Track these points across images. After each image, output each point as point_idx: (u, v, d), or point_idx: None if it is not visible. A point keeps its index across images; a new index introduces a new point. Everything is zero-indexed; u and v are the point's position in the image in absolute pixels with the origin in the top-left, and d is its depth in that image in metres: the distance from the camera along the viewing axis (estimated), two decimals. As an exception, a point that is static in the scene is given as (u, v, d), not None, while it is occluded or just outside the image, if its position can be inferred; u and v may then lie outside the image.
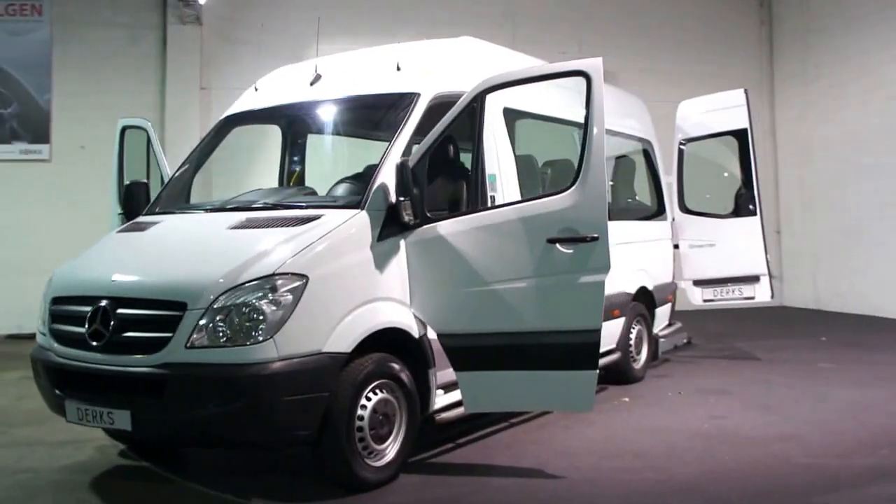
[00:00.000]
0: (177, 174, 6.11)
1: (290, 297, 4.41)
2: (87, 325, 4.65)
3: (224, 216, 5.23)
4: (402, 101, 5.48)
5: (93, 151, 12.18)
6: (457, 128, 5.66)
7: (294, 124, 6.54)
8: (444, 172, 5.74)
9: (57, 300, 5.00)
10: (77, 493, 4.92)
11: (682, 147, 9.16)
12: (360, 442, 4.74)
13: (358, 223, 4.87)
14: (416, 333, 5.09)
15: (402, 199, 4.88)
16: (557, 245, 4.90)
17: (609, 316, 7.42)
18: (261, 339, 4.32)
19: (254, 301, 4.35)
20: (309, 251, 4.59)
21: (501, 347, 5.03)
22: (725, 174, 9.31)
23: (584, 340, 4.87)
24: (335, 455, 4.64)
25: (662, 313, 8.76)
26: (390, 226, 5.00)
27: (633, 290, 7.93)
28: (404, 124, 5.32)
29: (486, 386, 5.11)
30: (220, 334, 4.34)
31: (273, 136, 7.12)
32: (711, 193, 9.41)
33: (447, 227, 5.06)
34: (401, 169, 4.87)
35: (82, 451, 5.70)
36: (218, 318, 4.34)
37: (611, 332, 7.55)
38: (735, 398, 7.31)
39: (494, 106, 5.96)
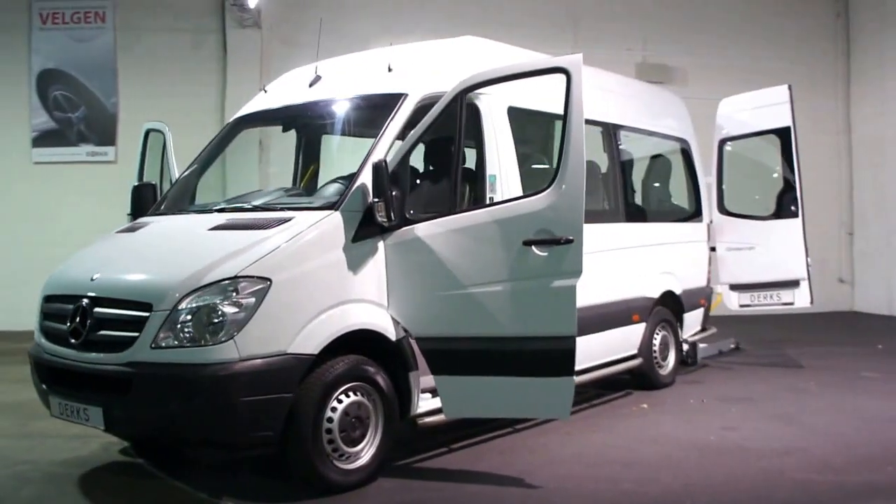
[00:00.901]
0: (183, 176, 6.26)
1: (252, 299, 4.46)
2: (68, 323, 4.82)
3: (209, 218, 5.32)
4: (389, 102, 5.46)
5: (157, 153, 12.59)
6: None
7: (292, 125, 6.59)
8: (441, 172, 5.74)
9: (47, 298, 5.20)
10: (63, 485, 5.11)
11: (722, 146, 8.83)
12: (330, 444, 4.75)
13: (330, 225, 4.88)
14: (392, 336, 5.07)
15: (376, 200, 4.86)
16: (533, 248, 4.82)
17: (628, 321, 7.28)
18: (222, 339, 4.38)
19: (215, 302, 4.43)
20: (275, 254, 4.62)
21: (478, 352, 4.98)
22: (773, 174, 8.90)
23: (560, 347, 4.78)
24: (300, 456, 4.67)
25: (693, 318, 8.49)
26: (368, 227, 4.97)
27: (655, 294, 7.70)
28: (387, 125, 5.30)
29: (463, 391, 5.07)
30: (184, 335, 4.43)
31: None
32: (755, 194, 9.03)
33: (425, 229, 5.03)
34: (376, 170, 4.85)
35: (88, 445, 5.89)
36: (182, 319, 4.43)
37: (630, 338, 7.39)
38: (757, 407, 7.04)
39: (497, 105, 5.90)
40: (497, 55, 6.27)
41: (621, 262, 7.15)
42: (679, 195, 8.62)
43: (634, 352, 7.53)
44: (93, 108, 13.10)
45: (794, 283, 8.41)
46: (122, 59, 13.21)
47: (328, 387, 4.73)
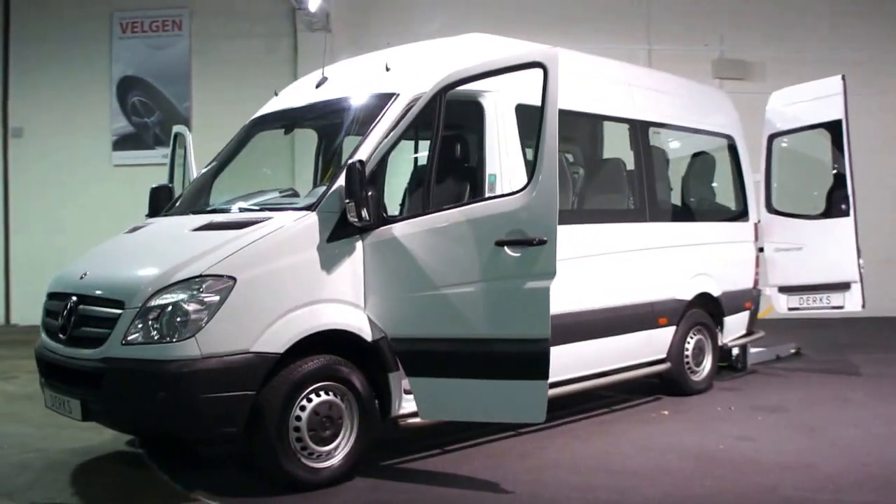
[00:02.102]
0: (197, 177, 6.41)
1: (215, 297, 4.53)
2: (59, 320, 5.03)
3: (199, 218, 5.43)
4: (381, 102, 5.44)
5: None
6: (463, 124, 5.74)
7: (294, 126, 6.64)
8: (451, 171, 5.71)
9: (49, 295, 5.43)
10: (59, 472, 5.33)
11: (771, 142, 8.39)
12: (298, 442, 4.77)
13: (303, 225, 4.90)
14: (368, 336, 5.04)
15: (347, 200, 4.85)
16: (506, 248, 4.72)
17: (652, 324, 7.02)
18: (184, 337, 4.47)
19: (179, 301, 4.52)
20: (241, 253, 4.68)
21: (452, 354, 4.91)
22: (828, 171, 8.39)
23: (533, 350, 4.66)
24: (266, 453, 4.72)
25: (736, 322, 8.07)
26: (345, 227, 4.96)
27: (687, 296, 7.37)
28: (375, 125, 5.27)
29: (438, 393, 5.00)
30: (151, 332, 4.54)
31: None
32: (808, 192, 8.54)
33: (400, 230, 5.00)
34: (348, 171, 4.84)
35: (100, 435, 6.07)
36: (150, 317, 4.55)
37: (655, 341, 7.12)
38: (786, 417, 6.66)
39: (504, 104, 5.80)
40: (502, 51, 6.11)
41: (644, 263, 6.89)
42: (724, 194, 8.25)
43: (662, 356, 7.25)
44: (167, 113, 13.64)
45: (844, 286, 7.90)
46: (196, 65, 13.71)
47: (295, 385, 4.75)
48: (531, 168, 4.79)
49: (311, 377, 4.81)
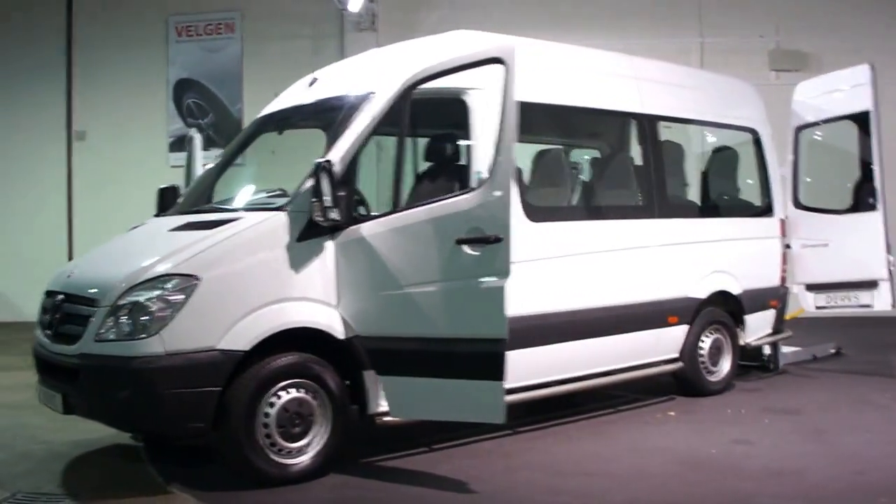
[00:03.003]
0: (199, 178, 6.58)
1: (180, 296, 4.65)
2: (48, 317, 5.26)
3: (182, 219, 5.57)
4: (358, 102, 5.47)
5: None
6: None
7: (287, 127, 6.72)
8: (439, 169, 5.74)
9: (45, 293, 5.67)
10: (56, 462, 5.55)
11: (798, 135, 8.07)
12: (267, 438, 4.86)
13: (271, 225, 4.98)
14: (340, 335, 5.08)
15: (314, 200, 4.91)
16: (465, 247, 4.72)
17: (661, 322, 6.86)
18: (150, 334, 4.61)
19: (145, 299, 4.66)
20: (207, 252, 4.79)
21: (418, 353, 4.93)
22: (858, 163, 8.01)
23: (489, 350, 4.64)
24: (233, 448, 4.81)
25: (759, 321, 7.78)
26: (315, 227, 5.00)
27: (702, 294, 7.16)
28: (349, 124, 5.31)
29: (405, 392, 5.03)
30: (120, 329, 4.69)
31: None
32: (836, 187, 8.17)
33: (369, 229, 5.04)
34: (315, 171, 4.90)
35: (108, 428, 6.30)
36: (119, 315, 4.70)
37: (664, 340, 6.95)
38: (797, 421, 6.42)
39: (491, 100, 5.70)
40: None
41: (651, 260, 6.73)
42: (748, 189, 7.98)
43: (673, 355, 7.07)
44: (220, 115, 14.03)
45: (872, 284, 7.54)
46: (248, 67, 14.04)
47: (263, 382, 4.82)
48: (492, 165, 4.75)
49: (280, 374, 4.88)
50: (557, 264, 6.09)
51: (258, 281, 4.89)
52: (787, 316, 8.46)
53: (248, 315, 4.80)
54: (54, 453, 5.79)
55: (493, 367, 4.62)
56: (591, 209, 6.73)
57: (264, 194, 5.97)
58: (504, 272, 4.60)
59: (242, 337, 4.76)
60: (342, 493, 4.89)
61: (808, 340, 9.42)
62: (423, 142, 6.26)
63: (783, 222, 7.97)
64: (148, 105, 14.09)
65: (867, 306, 7.69)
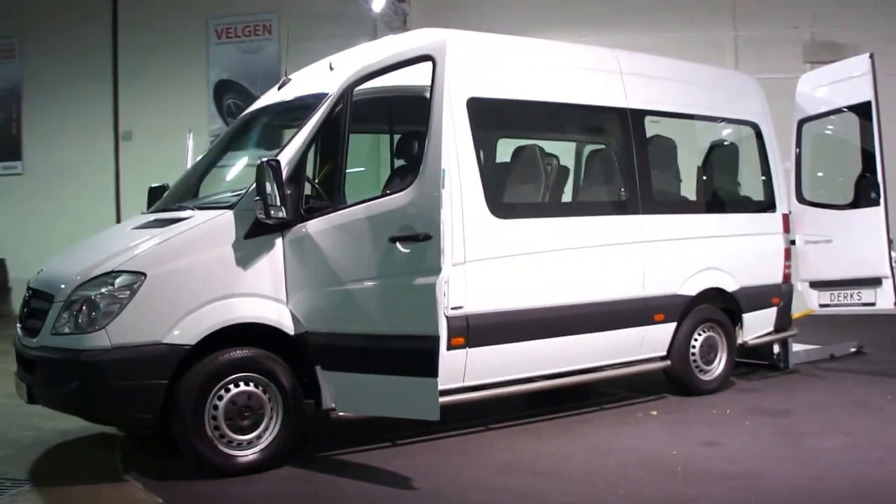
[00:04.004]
0: (181, 177, 6.74)
1: (126, 291, 4.83)
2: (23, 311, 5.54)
3: (148, 217, 5.76)
4: (315, 102, 5.56)
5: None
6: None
7: (261, 126, 6.83)
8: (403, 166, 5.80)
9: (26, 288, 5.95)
10: (35, 449, 5.81)
11: (801, 128, 7.81)
12: (216, 430, 4.99)
13: (218, 223, 5.11)
14: (290, 330, 5.18)
15: (256, 199, 5.02)
16: (398, 244, 4.76)
17: (646, 320, 6.74)
18: (97, 329, 4.79)
19: (93, 295, 4.85)
20: (154, 250, 4.97)
21: (357, 349, 5.00)
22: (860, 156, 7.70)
23: (422, 347, 4.67)
24: (183, 439, 4.96)
25: (759, 319, 7.54)
26: (264, 224, 5.10)
27: (691, 291, 6.99)
28: (304, 124, 5.41)
29: (348, 388, 5.11)
30: (71, 324, 4.90)
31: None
32: (840, 181, 7.87)
33: (314, 226, 5.12)
34: (258, 170, 5.01)
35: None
36: (72, 310, 4.90)
37: (650, 338, 6.81)
38: (779, 422, 6.26)
39: (455, 97, 5.79)
40: (459, 46, 6.06)
41: (633, 257, 6.62)
42: (749, 184, 7.77)
43: (661, 353, 6.95)
44: (259, 114, 14.30)
45: (875, 282, 7.25)
46: (285, 67, 14.25)
47: (211, 375, 4.96)
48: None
49: (229, 368, 5.01)
50: (525, 261, 6.04)
51: (204, 277, 5.01)
52: (797, 314, 8.21)
53: (195, 310, 4.93)
54: (40, 441, 6.04)
55: (426, 365, 4.65)
56: (564, 205, 6.67)
57: (229, 193, 6.13)
58: (435, 270, 4.62)
59: (188, 331, 4.91)
60: (287, 485, 4.98)
61: (834, 338, 9.17)
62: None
63: (786, 218, 7.71)
64: (190, 106, 14.49)
65: (870, 304, 7.38)
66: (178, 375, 4.91)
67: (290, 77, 6.48)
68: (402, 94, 5.60)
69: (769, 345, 8.13)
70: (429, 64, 4.84)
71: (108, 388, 4.80)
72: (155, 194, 6.75)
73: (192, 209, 5.48)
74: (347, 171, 5.27)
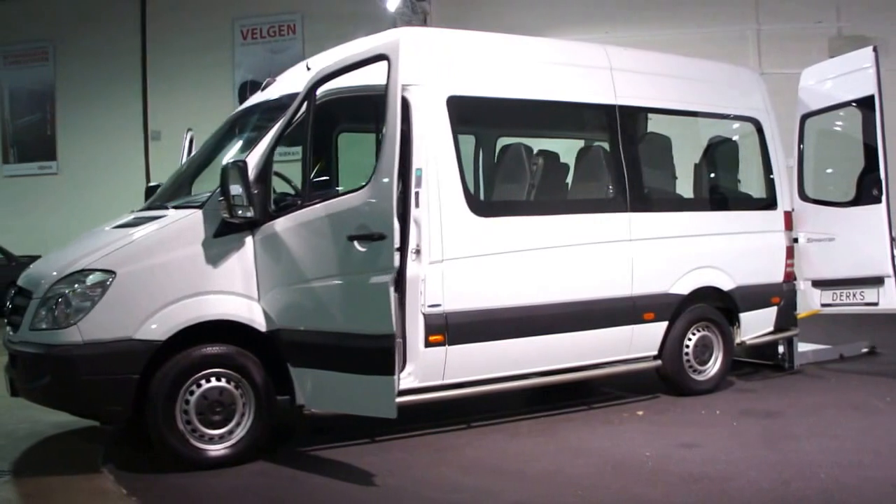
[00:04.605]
0: (172, 176, 6.83)
1: (97, 289, 4.96)
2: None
3: (130, 216, 5.88)
4: (289, 102, 5.62)
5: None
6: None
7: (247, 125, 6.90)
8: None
9: (15, 286, 6.13)
10: (25, 441, 6.01)
11: (803, 123, 7.63)
12: (187, 424, 5.09)
13: (187, 222, 5.22)
14: (261, 327, 5.26)
15: (220, 199, 5.10)
16: (355, 243, 4.81)
17: (634, 319, 6.67)
18: (69, 324, 4.93)
19: (66, 291, 4.99)
20: (125, 248, 5.11)
21: (321, 347, 5.06)
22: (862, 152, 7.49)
23: (378, 345, 4.72)
24: (154, 432, 5.07)
25: (757, 318, 7.38)
26: (233, 222, 5.18)
27: (683, 290, 6.89)
28: (272, 126, 5.48)
29: (314, 384, 5.17)
30: (47, 320, 5.04)
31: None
32: (844, 178, 7.65)
33: (281, 224, 5.20)
34: (222, 171, 5.10)
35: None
36: (47, 306, 5.05)
37: (639, 337, 6.72)
38: (767, 424, 6.12)
39: (433, 97, 5.83)
40: (429, 45, 6.09)
41: (621, 255, 6.55)
42: (750, 181, 7.62)
43: (651, 353, 6.87)
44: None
45: (878, 281, 7.04)
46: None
47: (183, 371, 5.07)
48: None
49: (200, 364, 5.11)
50: (507, 259, 6.02)
51: (174, 275, 5.12)
52: (803, 314, 8.04)
53: (165, 307, 5.04)
54: (33, 433, 6.23)
55: (382, 363, 4.69)
56: (548, 203, 6.61)
57: (207, 193, 6.22)
58: (389, 269, 4.65)
59: (159, 328, 5.01)
60: (254, 479, 5.06)
61: (850, 338, 8.97)
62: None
63: (789, 215, 7.55)
64: (217, 106, 14.67)
65: (872, 304, 7.18)
66: (152, 370, 5.03)
67: (274, 78, 6.54)
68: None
69: (774, 345, 7.99)
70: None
71: (80, 383, 4.92)
72: (150, 193, 6.89)
73: (170, 208, 5.59)
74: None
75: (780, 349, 8.03)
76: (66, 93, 15.14)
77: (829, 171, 7.85)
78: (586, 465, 5.22)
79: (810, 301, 7.77)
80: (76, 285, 4.99)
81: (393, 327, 4.64)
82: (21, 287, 5.52)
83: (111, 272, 4.98)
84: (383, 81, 4.83)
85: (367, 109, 5.97)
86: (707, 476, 4.92)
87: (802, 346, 8.38)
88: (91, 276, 4.99)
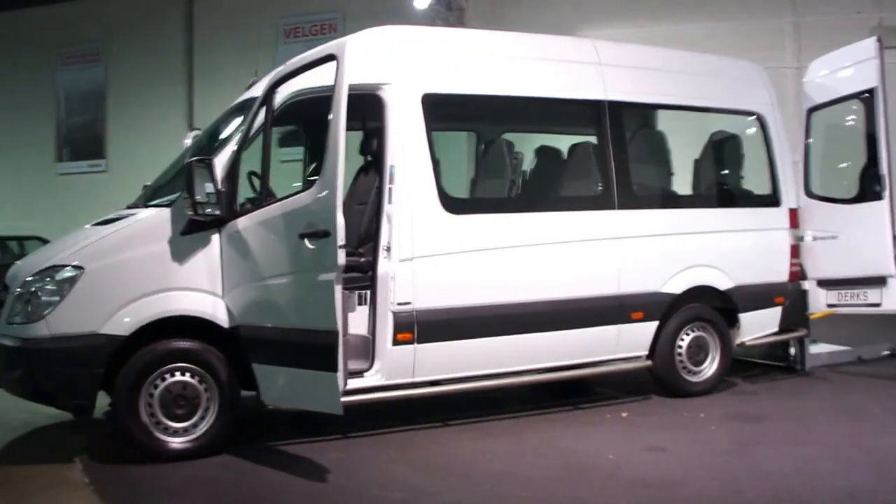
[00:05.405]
0: (160, 175, 7.00)
1: (66, 284, 5.15)
2: (-3, 302, 5.98)
3: (113, 214, 6.06)
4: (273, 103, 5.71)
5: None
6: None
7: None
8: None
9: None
10: (18, 431, 6.25)
11: (809, 117, 7.35)
12: (151, 417, 5.24)
13: (156, 221, 5.38)
14: (224, 323, 5.38)
15: (185, 197, 5.24)
16: (306, 241, 4.87)
17: (621, 318, 6.55)
18: (38, 318, 5.13)
19: (37, 287, 5.20)
20: (93, 245, 5.29)
21: (275, 343, 5.14)
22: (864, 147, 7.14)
23: (324, 342, 4.76)
24: (120, 424, 5.26)
25: (760, 319, 7.15)
26: (200, 220, 5.30)
27: (675, 290, 6.72)
28: (240, 126, 5.60)
29: (270, 380, 5.25)
30: (20, 314, 5.26)
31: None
32: (850, 174, 7.32)
33: (243, 223, 5.31)
34: (187, 169, 5.23)
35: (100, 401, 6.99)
36: (22, 300, 5.27)
37: (626, 337, 6.59)
38: (747, 429, 5.95)
39: (408, 95, 5.86)
40: (404, 43, 6.11)
41: (607, 253, 6.44)
42: (753, 177, 7.39)
43: (641, 353, 6.74)
44: (323, 112, 14.70)
45: (880, 281, 6.73)
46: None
47: (146, 365, 5.22)
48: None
49: (165, 358, 5.25)
50: (481, 257, 5.99)
51: (140, 272, 5.27)
52: (816, 315, 7.75)
53: (130, 303, 5.21)
54: (26, 423, 6.44)
55: (328, 359, 4.73)
56: (526, 201, 6.54)
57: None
58: (333, 266, 4.69)
59: (123, 323, 5.18)
60: (213, 472, 5.17)
61: (875, 339, 8.62)
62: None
63: (794, 213, 7.28)
64: (260, 104, 15.02)
65: (875, 305, 6.86)
66: (121, 365, 5.20)
67: (258, 77, 6.65)
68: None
69: (785, 346, 7.76)
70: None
71: (47, 375, 5.14)
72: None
73: (141, 207, 5.76)
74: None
75: (792, 350, 7.78)
76: (116, 93, 15.69)
77: (835, 166, 7.52)
78: (542, 466, 5.17)
79: (817, 301, 7.48)
80: (47, 280, 5.19)
81: (336, 324, 4.67)
82: (4, 282, 5.77)
83: (80, 268, 5.16)
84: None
85: (362, 108, 6.06)
86: (660, 482, 4.81)
87: (818, 348, 8.13)
88: (60, 272, 5.19)
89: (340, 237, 4.67)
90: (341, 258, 4.68)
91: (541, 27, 12.57)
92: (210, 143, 6.58)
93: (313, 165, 7.21)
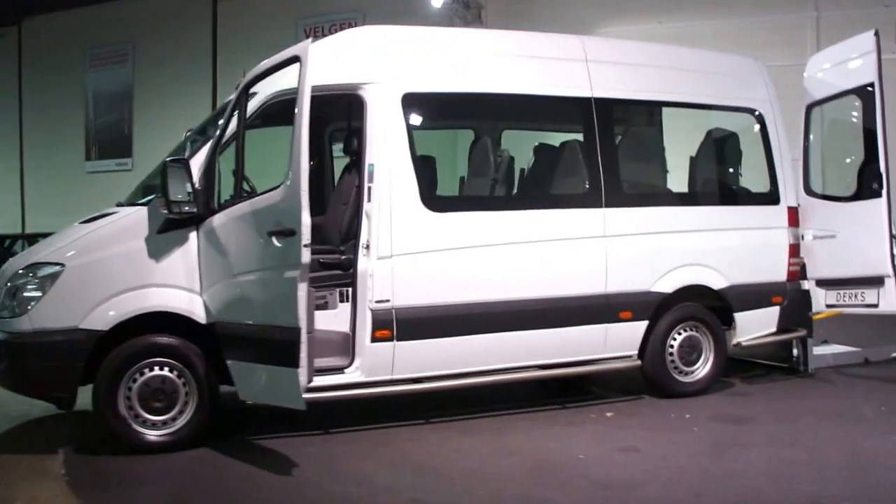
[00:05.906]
0: (149, 175, 7.10)
1: (47, 281, 5.29)
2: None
3: (101, 212, 6.18)
4: (246, 101, 5.78)
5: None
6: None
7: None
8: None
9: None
10: (15, 423, 6.43)
11: (808, 114, 7.19)
12: (130, 410, 5.35)
13: (133, 219, 5.50)
14: (201, 319, 5.47)
15: (159, 195, 5.33)
16: (274, 239, 4.93)
17: (609, 317, 6.50)
18: (21, 313, 5.29)
19: (21, 283, 5.35)
20: (74, 243, 5.44)
21: (245, 339, 5.22)
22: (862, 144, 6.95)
23: (288, 338, 4.82)
24: (100, 416, 5.36)
25: (756, 319, 7.01)
26: (177, 218, 5.42)
27: (666, 288, 6.64)
28: (221, 124, 5.68)
29: (242, 375, 5.33)
30: (8, 308, 5.41)
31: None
32: (850, 171, 7.13)
33: (217, 220, 5.42)
34: (161, 168, 5.33)
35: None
36: (8, 295, 5.43)
37: (614, 336, 6.52)
38: (729, 431, 5.86)
39: (388, 94, 5.90)
40: (385, 43, 6.11)
41: (594, 252, 6.39)
42: (750, 175, 7.26)
43: (630, 353, 6.66)
44: (343, 111, 14.81)
45: (878, 281, 6.56)
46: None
47: (125, 359, 5.34)
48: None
49: (143, 353, 5.37)
50: (462, 255, 5.99)
51: (118, 269, 5.40)
52: (820, 315, 7.59)
53: (111, 299, 5.33)
54: (24, 415, 6.60)
55: (290, 355, 4.78)
56: (509, 199, 6.52)
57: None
58: (298, 264, 4.73)
59: (102, 318, 5.31)
60: (186, 464, 5.27)
61: (885, 341, 8.41)
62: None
63: (793, 211, 7.13)
64: (282, 106, 15.19)
65: (872, 306, 6.68)
66: (101, 359, 5.32)
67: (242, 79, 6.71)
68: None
69: (789, 346, 7.61)
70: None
71: (28, 368, 5.29)
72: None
73: (123, 206, 5.88)
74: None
75: (795, 351, 7.63)
76: (142, 93, 15.99)
77: (834, 163, 7.35)
78: (510, 465, 5.15)
79: (817, 302, 7.31)
80: (30, 276, 5.34)
81: (299, 321, 4.72)
82: None
83: (61, 265, 5.30)
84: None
85: (356, 108, 6.09)
86: (621, 483, 4.77)
87: (824, 349, 7.96)
88: (43, 269, 5.34)
89: (305, 236, 4.71)
90: (306, 256, 4.72)
91: (559, 24, 12.60)
92: (193, 143, 6.73)
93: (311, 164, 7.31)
